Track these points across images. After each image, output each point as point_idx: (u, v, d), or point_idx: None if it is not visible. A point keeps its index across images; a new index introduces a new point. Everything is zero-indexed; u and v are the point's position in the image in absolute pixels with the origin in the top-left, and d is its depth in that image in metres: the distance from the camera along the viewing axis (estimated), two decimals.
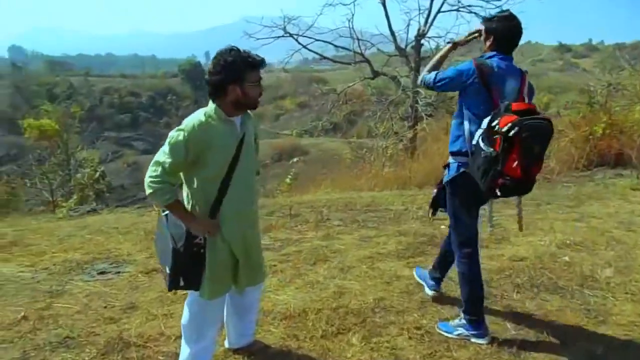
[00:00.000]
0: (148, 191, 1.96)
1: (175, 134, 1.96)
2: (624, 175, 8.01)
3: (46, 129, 19.33)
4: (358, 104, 21.59)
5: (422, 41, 15.34)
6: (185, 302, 2.15)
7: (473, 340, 2.60)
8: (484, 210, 2.88)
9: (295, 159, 25.92)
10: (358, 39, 15.72)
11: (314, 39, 16.31)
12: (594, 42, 66.35)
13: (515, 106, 2.37)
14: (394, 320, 2.80)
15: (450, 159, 2.64)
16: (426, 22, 15.16)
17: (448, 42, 2.93)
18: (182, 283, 2.01)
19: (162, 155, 1.96)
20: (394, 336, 2.64)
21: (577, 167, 8.76)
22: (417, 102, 14.76)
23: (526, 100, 2.54)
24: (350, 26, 15.49)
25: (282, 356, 2.46)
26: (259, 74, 2.00)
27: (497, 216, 5.48)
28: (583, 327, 2.77)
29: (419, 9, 15.04)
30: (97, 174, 15.76)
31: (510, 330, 2.72)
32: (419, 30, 15.15)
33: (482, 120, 2.39)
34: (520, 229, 2.74)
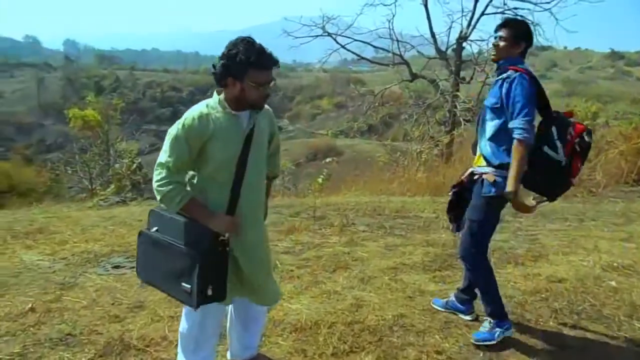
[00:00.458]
0: (158, 197, 1.79)
1: (174, 130, 1.80)
2: None
3: (89, 120, 20.03)
4: (395, 106, 21.23)
5: (464, 44, 14.86)
6: (184, 310, 1.99)
7: (507, 334, 2.57)
8: None
9: (328, 159, 25.77)
10: (397, 40, 15.40)
11: (352, 39, 16.11)
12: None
13: (566, 114, 2.46)
14: (413, 341, 2.55)
15: (495, 172, 2.45)
16: (469, 24, 14.66)
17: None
18: (210, 293, 1.75)
19: (164, 155, 1.80)
20: None
21: (627, 181, 8.19)
22: (455, 107, 14.32)
23: None
24: (390, 27, 15.21)
25: None
26: (266, 76, 1.80)
27: (534, 230, 5.12)
28: None
29: (462, 11, 14.56)
30: (135, 165, 16.16)
31: None
32: (460, 32, 14.67)
33: (534, 128, 2.36)
34: None
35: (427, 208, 6.39)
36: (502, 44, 2.44)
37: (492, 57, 2.52)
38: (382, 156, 15.49)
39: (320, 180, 12.43)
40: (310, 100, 47.55)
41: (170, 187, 1.76)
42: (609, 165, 8.63)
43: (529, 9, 13.67)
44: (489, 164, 2.47)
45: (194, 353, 1.98)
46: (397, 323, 2.73)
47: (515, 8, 14.14)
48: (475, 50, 14.94)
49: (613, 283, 3.49)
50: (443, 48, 15.15)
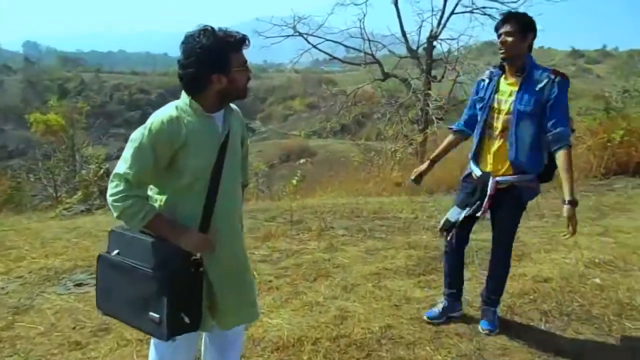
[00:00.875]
0: (115, 213, 1.54)
1: (138, 135, 1.54)
2: None
3: (52, 124, 19.21)
4: (367, 105, 21.25)
5: (434, 43, 14.96)
6: (152, 340, 1.75)
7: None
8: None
9: (302, 160, 25.58)
10: (369, 40, 15.38)
11: (324, 38, 16.01)
12: (608, 49, 65.20)
13: None
14: (404, 355, 2.40)
15: (530, 179, 2.45)
16: (439, 23, 14.80)
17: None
18: (182, 321, 1.53)
19: (123, 164, 1.54)
20: None
21: (595, 175, 8.33)
22: (428, 105, 14.39)
23: None
24: (362, 26, 15.18)
25: None
26: (243, 55, 1.62)
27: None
28: None
29: (432, 10, 14.67)
30: (102, 171, 15.56)
31: None
32: (431, 31, 14.77)
33: None
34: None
35: (405, 208, 6.30)
36: (509, 39, 2.31)
37: (502, 55, 2.36)
38: (357, 156, 15.44)
39: (294, 182, 12.26)
40: (282, 101, 47.17)
41: (130, 201, 1.52)
42: (578, 160, 8.77)
43: (497, 8, 13.86)
44: (523, 172, 2.40)
45: None
46: (385, 335, 2.57)
47: (484, 7, 14.34)
48: (446, 49, 15.09)
49: (597, 280, 3.44)
50: (414, 47, 15.22)
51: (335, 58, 16.36)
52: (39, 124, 19.22)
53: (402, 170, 10.99)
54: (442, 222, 2.69)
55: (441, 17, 14.57)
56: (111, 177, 1.57)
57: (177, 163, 1.58)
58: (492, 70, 2.52)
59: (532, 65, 2.35)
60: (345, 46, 16.19)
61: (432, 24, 14.62)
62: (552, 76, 2.29)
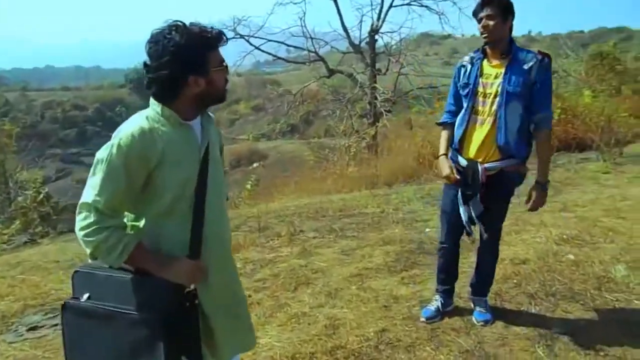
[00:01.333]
0: (87, 250, 1.32)
1: (105, 154, 1.32)
2: (590, 159, 7.97)
3: None
4: (313, 103, 21.22)
5: (376, 37, 15.12)
6: None
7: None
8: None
9: (255, 164, 25.20)
10: (311, 38, 15.29)
11: (266, 39, 15.74)
12: (532, 34, 69.16)
13: None
14: (405, 358, 2.29)
15: (519, 163, 2.41)
16: (379, 17, 14.95)
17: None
18: None
19: (91, 191, 1.32)
20: None
21: None
22: (375, 99, 14.53)
23: None
24: (303, 25, 15.04)
25: None
26: (220, 52, 1.43)
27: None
28: (622, 342, 2.37)
29: (371, 4, 14.79)
30: (41, 196, 14.48)
31: (543, 357, 2.29)
32: (372, 25, 14.91)
33: None
34: None
35: (370, 203, 6.25)
36: (491, 23, 2.24)
37: (485, 39, 2.30)
38: (310, 155, 15.35)
39: (248, 186, 11.98)
40: (226, 106, 46.17)
41: (104, 234, 1.29)
42: None
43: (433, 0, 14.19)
44: (510, 156, 2.34)
45: None
46: (382, 340, 2.45)
47: None
48: (387, 42, 15.31)
49: (571, 256, 3.52)
50: (356, 42, 15.30)
51: (279, 58, 16.14)
52: None
53: (358, 165, 11.03)
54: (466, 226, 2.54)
55: (380, 10, 14.74)
56: (78, 207, 1.32)
57: (154, 183, 1.36)
58: (472, 55, 2.45)
59: (516, 47, 2.31)
60: (288, 45, 16.02)
61: (372, 17, 14.76)
62: (539, 57, 2.27)
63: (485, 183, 2.35)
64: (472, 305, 2.73)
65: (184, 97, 1.38)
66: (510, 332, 2.48)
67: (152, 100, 1.41)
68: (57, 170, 29.64)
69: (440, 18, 14.50)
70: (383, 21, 15.02)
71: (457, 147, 2.46)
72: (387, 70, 15.37)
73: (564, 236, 3.99)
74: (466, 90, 2.40)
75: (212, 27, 1.37)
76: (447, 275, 2.72)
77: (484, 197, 2.39)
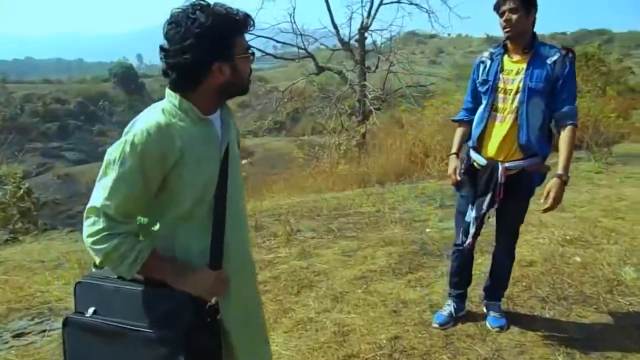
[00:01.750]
0: (97, 259, 1.17)
1: (117, 153, 1.16)
2: (581, 159, 8.01)
3: None
4: (300, 101, 21.09)
5: (366, 34, 15.03)
6: None
7: None
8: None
9: (243, 161, 24.94)
10: (301, 34, 15.12)
11: (255, 34, 15.48)
12: None
13: None
14: None
15: (539, 161, 2.32)
16: (369, 14, 14.87)
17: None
18: None
19: (100, 194, 1.16)
20: None
21: None
22: (365, 96, 14.46)
23: None
24: (292, 21, 14.86)
25: None
26: (245, 38, 1.28)
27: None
28: (637, 347, 2.31)
29: (362, 2, 14.70)
30: (22, 191, 14.05)
31: None
32: (362, 23, 14.81)
33: None
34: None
35: (364, 202, 6.14)
36: (514, 16, 2.13)
37: (507, 33, 2.18)
38: (299, 152, 15.20)
39: None
40: None
41: (115, 241, 1.14)
42: None
43: None
44: (532, 155, 2.25)
45: None
46: (396, 348, 2.34)
47: None
48: (377, 40, 15.25)
49: (578, 258, 3.46)
50: (346, 39, 15.20)
51: (268, 54, 15.93)
52: None
53: (349, 162, 10.94)
54: (463, 228, 2.45)
55: (370, 8, 14.66)
56: (85, 212, 1.17)
57: (172, 185, 1.21)
58: (492, 50, 2.35)
59: (539, 42, 2.21)
60: (277, 41, 15.84)
61: (362, 15, 14.67)
62: (563, 52, 2.18)
63: (505, 182, 2.25)
64: (485, 310, 2.64)
65: (205, 87, 1.23)
66: (527, 339, 2.39)
67: (168, 91, 1.26)
68: (37, 165, 28.84)
69: (429, 16, 14.47)
70: (373, 19, 14.95)
71: (476, 145, 2.35)
72: (377, 67, 15.31)
73: (567, 237, 3.94)
74: (485, 87, 2.30)
75: (238, 10, 1.22)
76: (461, 278, 2.62)
77: (502, 197, 2.28)
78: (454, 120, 2.56)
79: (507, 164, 2.25)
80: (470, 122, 2.43)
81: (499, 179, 2.24)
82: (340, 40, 15.13)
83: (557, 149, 2.23)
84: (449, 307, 2.60)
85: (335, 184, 9.02)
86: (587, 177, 6.87)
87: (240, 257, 1.35)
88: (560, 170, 2.17)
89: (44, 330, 2.77)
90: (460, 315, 2.61)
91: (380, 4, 14.88)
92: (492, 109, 2.28)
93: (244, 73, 1.27)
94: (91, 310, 1.20)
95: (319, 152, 12.96)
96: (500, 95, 2.26)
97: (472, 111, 2.43)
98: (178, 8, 1.18)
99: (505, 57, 2.28)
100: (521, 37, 2.19)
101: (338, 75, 15.98)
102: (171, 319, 1.14)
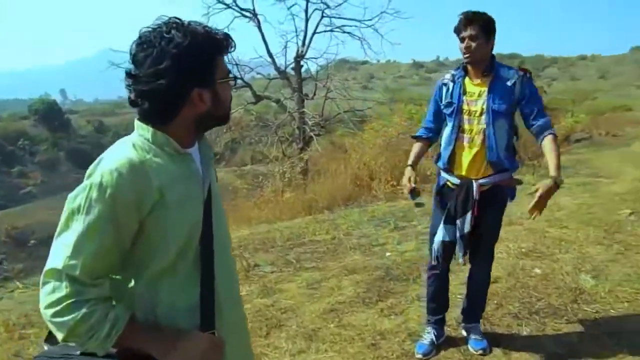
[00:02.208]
0: (59, 334, 0.94)
1: (83, 198, 0.97)
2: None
3: None
4: (238, 130, 20.90)
5: (302, 62, 15.27)
6: None
7: None
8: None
9: None
10: (237, 64, 15.04)
11: None
12: (441, 59, 74.92)
13: None
14: None
15: (509, 176, 2.37)
16: (303, 43, 15.14)
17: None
18: None
19: (63, 251, 0.95)
20: None
21: None
22: (305, 123, 14.58)
23: None
24: None
25: None
26: (225, 61, 1.13)
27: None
28: (616, 354, 2.34)
29: (296, 31, 14.97)
30: None
31: None
32: (297, 51, 15.04)
33: None
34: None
35: (318, 230, 6.03)
36: (474, 43, 2.16)
37: (467, 59, 2.21)
38: (242, 182, 14.89)
39: None
40: None
41: (84, 310, 0.92)
42: None
43: (356, 26, 14.68)
44: (503, 170, 2.28)
45: None
46: None
47: (343, 25, 15.09)
48: (313, 67, 15.55)
49: (538, 271, 3.54)
50: (282, 68, 15.34)
51: None
52: None
53: (295, 190, 10.86)
54: (435, 247, 2.42)
55: (305, 37, 14.96)
56: (42, 277, 0.94)
57: (150, 233, 1.01)
58: (453, 72, 2.36)
59: (498, 64, 2.25)
60: None
61: (297, 43, 14.91)
62: (521, 73, 2.24)
63: (479, 199, 2.25)
64: (465, 333, 2.59)
65: (182, 117, 1.06)
66: (512, 359, 2.35)
67: (138, 123, 1.07)
68: None
69: (362, 43, 14.99)
70: (308, 47, 15.24)
71: (447, 166, 2.34)
72: (315, 94, 15.54)
73: (523, 249, 4.05)
74: (450, 109, 2.31)
75: (216, 29, 1.08)
76: (439, 304, 2.55)
77: (477, 214, 2.27)
78: (413, 137, 2.57)
79: (480, 181, 2.26)
80: (428, 139, 2.47)
81: (474, 195, 2.23)
82: (277, 69, 15.24)
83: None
84: (429, 335, 2.52)
85: (282, 212, 8.86)
86: (523, 189, 7.20)
87: (233, 311, 1.17)
88: (553, 172, 2.10)
89: None
90: (441, 342, 2.54)
91: (314, 32, 15.24)
92: (459, 130, 2.29)
93: (225, 100, 1.12)
94: None
95: (263, 181, 12.79)
96: (466, 117, 2.28)
97: (431, 130, 2.46)
98: (148, 27, 1.02)
99: (467, 79, 2.31)
100: (481, 62, 2.23)
101: (276, 104, 16.03)
102: None
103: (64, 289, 0.92)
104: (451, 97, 2.30)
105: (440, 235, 2.38)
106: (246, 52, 16.80)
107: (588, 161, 8.98)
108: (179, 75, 1.00)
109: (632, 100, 26.29)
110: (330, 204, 8.55)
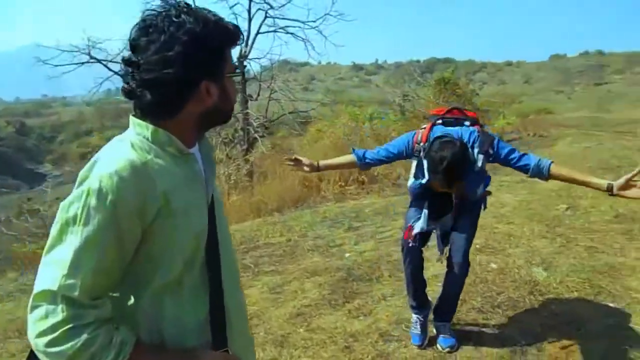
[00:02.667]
0: None
1: (79, 206, 0.83)
2: None
3: None
4: None
5: (245, 63, 15.03)
6: None
7: None
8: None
9: None
10: None
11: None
12: (380, 62, 76.95)
13: None
14: None
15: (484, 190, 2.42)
16: (246, 44, 14.90)
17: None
18: None
19: (57, 270, 0.81)
20: None
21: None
22: (249, 124, 14.37)
23: None
24: None
25: None
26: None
27: (389, 232, 5.19)
28: (579, 341, 2.47)
29: None
30: None
31: None
32: (241, 52, 14.78)
33: None
34: None
35: (271, 232, 5.94)
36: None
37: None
38: None
39: None
40: (75, 139, 41.28)
41: (85, 336, 0.79)
42: None
43: (299, 27, 14.68)
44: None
45: None
46: None
47: (287, 26, 15.03)
48: (256, 68, 15.37)
49: (494, 265, 3.68)
50: None
51: None
52: None
53: (241, 192, 10.65)
54: (415, 231, 2.44)
55: (248, 37, 14.73)
56: (31, 301, 0.80)
57: (153, 244, 0.90)
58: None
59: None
60: None
61: (240, 45, 14.66)
62: (476, 129, 2.31)
63: (458, 203, 2.35)
64: (435, 332, 2.62)
65: (187, 112, 0.95)
66: (482, 354, 2.41)
67: (134, 120, 0.95)
68: None
69: (305, 45, 15.01)
70: (251, 47, 15.04)
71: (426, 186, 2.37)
72: (259, 95, 15.36)
73: (477, 245, 4.18)
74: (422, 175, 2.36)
75: (223, 18, 0.98)
76: (417, 284, 2.58)
77: (456, 214, 2.34)
78: (354, 150, 2.53)
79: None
80: (366, 165, 2.52)
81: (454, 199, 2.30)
82: None
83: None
84: (418, 324, 2.60)
85: (230, 215, 8.64)
86: None
87: (242, 326, 1.08)
88: (604, 182, 1.99)
89: None
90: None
91: (258, 32, 15.06)
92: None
93: (232, 96, 1.02)
94: None
95: None
96: None
97: (373, 161, 2.49)
98: (152, 10, 0.90)
99: None
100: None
101: None
102: None
103: (59, 314, 0.79)
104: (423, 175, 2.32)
105: (422, 222, 2.40)
106: None
107: None
108: (188, 64, 0.89)
109: (553, 104, 28.70)
110: (280, 205, 8.45)
